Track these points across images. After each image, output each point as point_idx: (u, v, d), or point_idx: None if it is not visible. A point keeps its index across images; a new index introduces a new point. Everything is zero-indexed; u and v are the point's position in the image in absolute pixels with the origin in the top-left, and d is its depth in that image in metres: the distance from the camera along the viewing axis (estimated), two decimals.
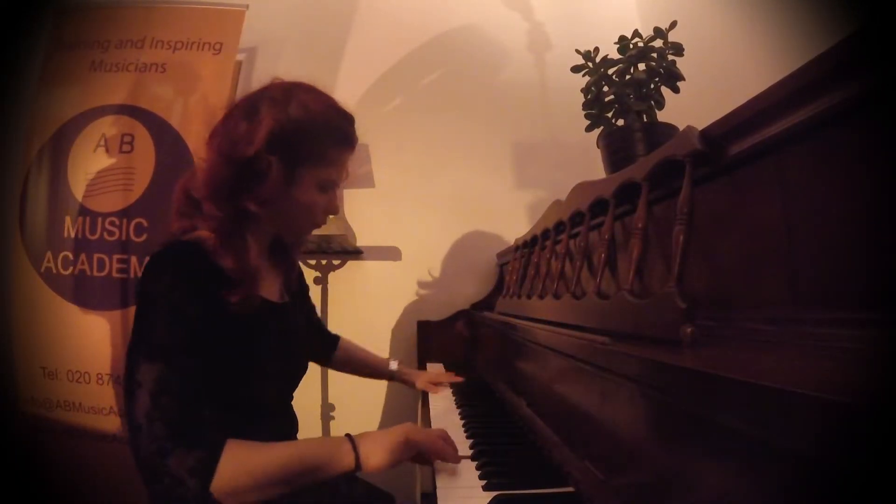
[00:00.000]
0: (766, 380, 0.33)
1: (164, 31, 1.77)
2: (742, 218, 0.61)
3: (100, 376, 1.61)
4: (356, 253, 1.98)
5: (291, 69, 2.23)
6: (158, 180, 1.70)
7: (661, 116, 1.20)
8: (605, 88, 1.25)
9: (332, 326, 1.34)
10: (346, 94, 2.14)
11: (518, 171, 2.13)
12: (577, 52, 1.29)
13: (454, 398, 1.28)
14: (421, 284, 2.06)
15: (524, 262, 1.39)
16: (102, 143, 1.71)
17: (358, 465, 0.71)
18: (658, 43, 1.17)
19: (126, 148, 1.71)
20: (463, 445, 0.87)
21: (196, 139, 1.71)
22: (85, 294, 1.65)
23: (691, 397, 0.43)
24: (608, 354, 0.61)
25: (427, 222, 2.09)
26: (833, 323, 0.46)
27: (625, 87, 1.20)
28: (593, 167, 1.35)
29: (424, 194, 2.09)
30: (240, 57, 2.01)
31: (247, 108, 0.79)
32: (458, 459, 0.79)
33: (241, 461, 0.65)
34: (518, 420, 1.02)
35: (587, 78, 1.28)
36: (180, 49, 1.77)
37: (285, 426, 0.92)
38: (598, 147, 1.26)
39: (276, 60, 2.11)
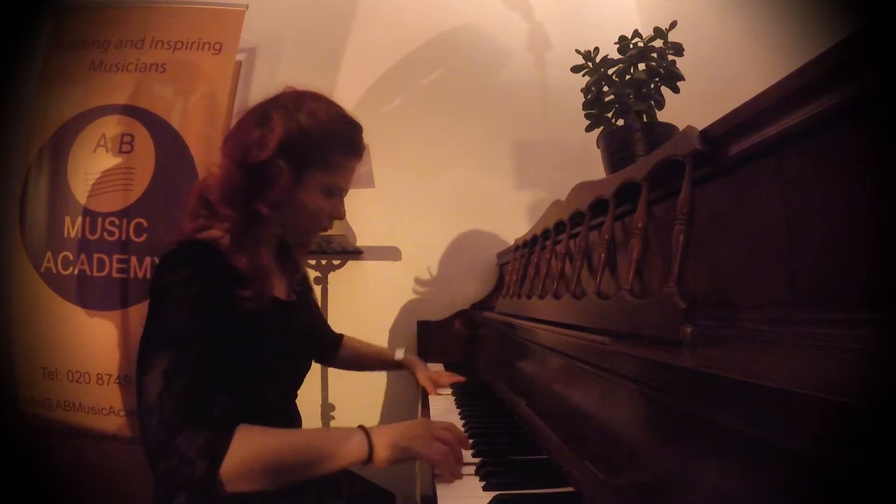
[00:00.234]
0: (766, 380, 0.33)
1: (164, 31, 1.77)
2: (742, 218, 0.61)
3: (100, 376, 1.61)
4: (356, 253, 1.98)
5: (291, 69, 2.24)
6: (158, 180, 1.70)
7: (661, 116, 1.20)
8: (605, 88, 1.25)
9: (332, 326, 1.34)
10: (346, 94, 2.16)
11: (518, 171, 2.13)
12: (577, 52, 1.29)
13: (454, 398, 1.28)
14: (421, 284, 2.06)
15: (524, 262, 1.39)
16: (102, 143, 1.71)
17: (370, 458, 0.71)
18: (658, 43, 1.17)
19: (126, 148, 1.71)
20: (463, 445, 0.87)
21: (196, 139, 1.72)
22: (85, 294, 1.65)
23: (691, 397, 0.43)
24: (608, 354, 0.61)
25: (427, 222, 2.09)
26: (833, 323, 0.46)
27: (625, 87, 1.20)
28: (593, 167, 1.35)
29: (424, 194, 2.09)
30: (240, 57, 2.02)
31: (259, 116, 0.82)
32: (457, 475, 0.73)
33: (252, 445, 0.65)
34: (518, 420, 1.02)
35: (587, 78, 1.28)
36: (180, 49, 1.77)
37: (289, 424, 0.93)
38: (598, 147, 1.26)
39: (276, 60, 2.11)
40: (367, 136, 0.92)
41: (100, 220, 1.68)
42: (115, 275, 1.65)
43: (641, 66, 1.18)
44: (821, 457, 0.29)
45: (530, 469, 0.77)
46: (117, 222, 1.68)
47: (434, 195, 2.10)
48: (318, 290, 2.00)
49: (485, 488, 0.69)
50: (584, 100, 1.29)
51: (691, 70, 1.19)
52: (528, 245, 1.37)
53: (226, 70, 1.78)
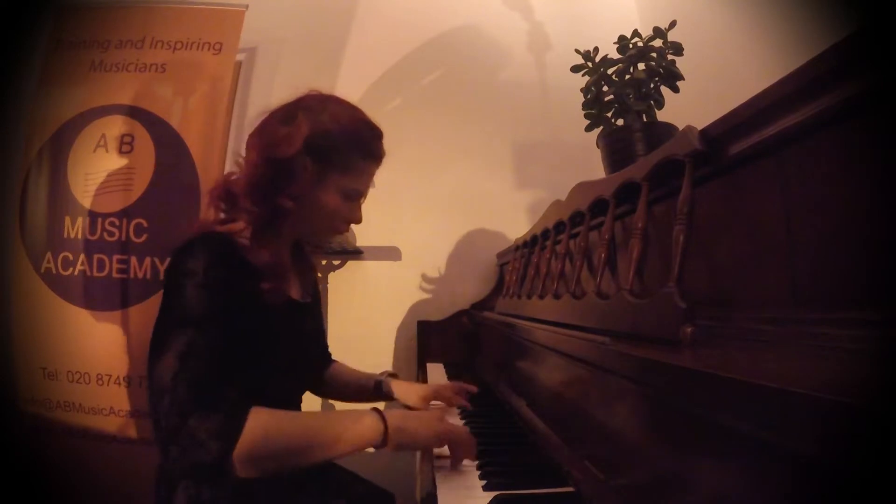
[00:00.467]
0: (765, 380, 0.33)
1: (164, 31, 1.77)
2: (742, 218, 0.61)
3: (100, 377, 1.61)
4: (356, 253, 1.98)
5: (291, 69, 2.24)
6: (158, 180, 1.70)
7: (661, 116, 1.20)
8: (605, 88, 1.25)
9: (333, 326, 1.33)
10: (346, 94, 2.12)
11: (518, 171, 2.13)
12: (577, 52, 1.28)
13: None
14: (421, 284, 2.06)
15: (524, 262, 1.39)
16: (102, 143, 1.71)
17: (384, 441, 0.71)
18: (658, 43, 1.17)
19: (126, 148, 1.71)
20: None
21: (196, 139, 1.72)
22: (85, 294, 1.65)
23: (691, 397, 0.43)
24: (608, 354, 0.61)
25: (427, 222, 2.09)
26: (833, 323, 0.46)
27: (624, 86, 1.20)
28: (593, 167, 1.35)
29: (425, 194, 2.09)
30: (240, 57, 2.02)
31: (285, 114, 0.85)
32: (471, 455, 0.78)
33: (265, 428, 0.65)
34: (518, 420, 1.02)
35: (587, 78, 1.28)
36: (180, 49, 1.77)
37: None
38: (597, 147, 1.26)
39: (276, 60, 2.11)
40: None
41: (100, 220, 1.68)
42: (115, 275, 1.65)
43: (641, 66, 1.18)
44: (821, 457, 0.29)
45: (530, 469, 0.76)
46: (117, 222, 1.67)
47: (434, 195, 2.09)
48: None
49: (485, 488, 0.69)
50: (583, 100, 1.29)
51: (691, 70, 1.19)
52: (528, 245, 1.37)
53: (226, 70, 1.78)
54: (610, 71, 1.24)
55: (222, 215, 0.86)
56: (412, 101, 2.14)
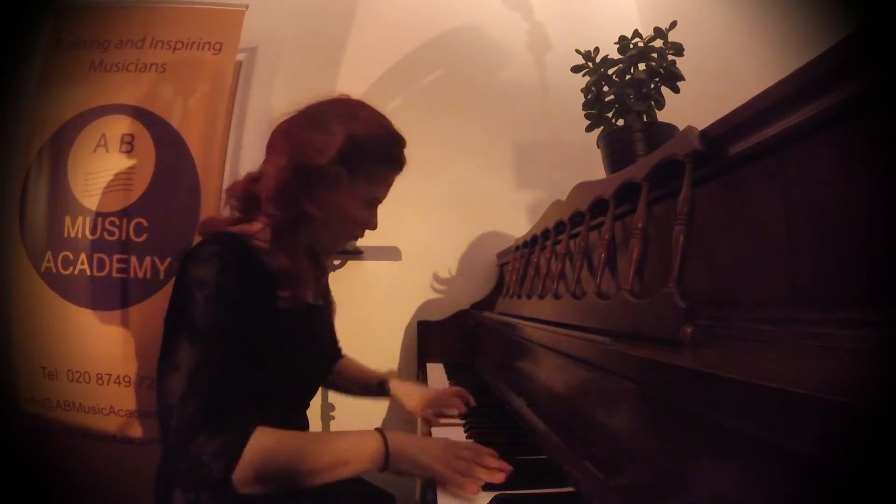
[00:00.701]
0: (765, 380, 0.33)
1: (164, 31, 1.77)
2: (742, 218, 0.61)
3: (100, 376, 1.61)
4: (356, 253, 1.98)
5: (291, 69, 2.24)
6: (158, 180, 1.70)
7: (661, 116, 1.20)
8: (606, 88, 1.25)
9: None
10: (346, 94, 2.15)
11: (518, 171, 2.13)
12: (578, 52, 1.28)
13: None
14: (421, 284, 2.06)
15: (524, 262, 1.39)
16: (102, 143, 1.71)
17: (385, 465, 0.70)
18: (658, 43, 1.17)
19: (126, 148, 1.71)
20: None
21: (196, 139, 1.72)
22: (85, 294, 1.65)
23: (691, 397, 0.43)
24: (608, 354, 0.61)
25: (427, 222, 2.09)
26: (833, 323, 0.46)
27: (625, 87, 1.20)
28: (593, 167, 1.35)
29: (425, 194, 2.09)
30: (240, 57, 2.01)
31: (315, 119, 0.83)
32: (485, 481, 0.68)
33: (267, 450, 0.65)
34: (518, 420, 1.02)
35: (587, 78, 1.28)
36: (180, 49, 1.77)
37: (298, 426, 0.93)
38: (598, 147, 1.26)
39: (276, 60, 2.11)
40: None
41: (100, 220, 1.68)
42: (115, 275, 1.65)
43: (641, 66, 1.18)
44: (821, 457, 0.29)
45: (530, 469, 0.76)
46: (117, 222, 1.67)
47: (434, 195, 2.09)
48: None
49: (485, 488, 0.69)
50: (584, 100, 1.29)
51: (691, 70, 1.19)
52: (529, 245, 1.37)
53: (226, 70, 1.78)
54: (610, 71, 1.24)
55: (236, 214, 0.85)
56: (412, 101, 2.14)
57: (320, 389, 1.93)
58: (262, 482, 0.64)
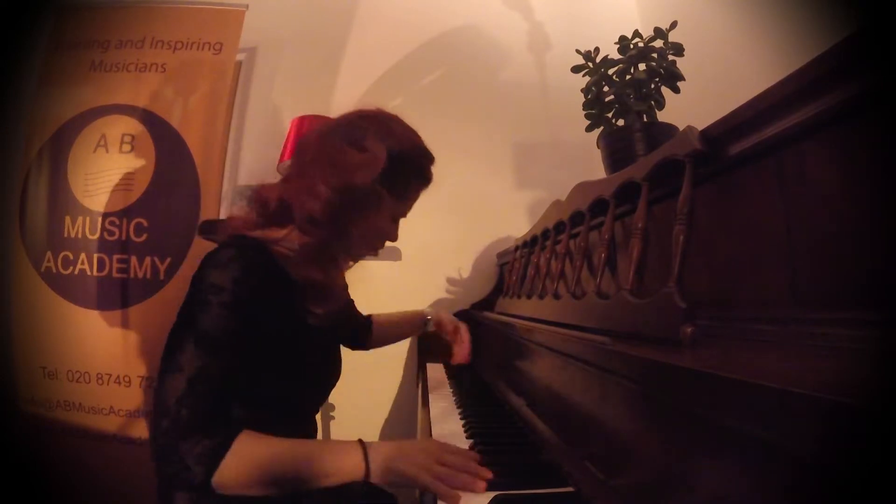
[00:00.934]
0: (765, 380, 0.33)
1: (164, 31, 1.77)
2: (742, 218, 0.61)
3: (100, 376, 1.61)
4: None
5: (291, 69, 2.23)
6: (158, 180, 1.70)
7: (662, 116, 1.20)
8: (606, 88, 1.25)
9: None
10: (346, 94, 2.16)
11: (518, 171, 2.13)
12: (578, 52, 1.29)
13: (454, 398, 1.28)
14: (420, 284, 2.06)
15: (524, 262, 1.39)
16: (102, 143, 1.71)
17: (367, 477, 0.69)
18: (658, 43, 1.17)
19: (126, 148, 1.71)
20: (463, 446, 0.86)
21: (196, 139, 1.72)
22: (85, 294, 1.65)
23: (691, 397, 0.43)
24: (608, 354, 0.61)
25: (427, 222, 2.08)
26: (833, 323, 0.46)
27: (625, 87, 1.20)
28: (593, 167, 1.35)
29: (425, 194, 2.08)
30: (240, 57, 2.02)
31: (351, 135, 0.82)
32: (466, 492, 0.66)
33: (248, 456, 0.65)
34: (518, 420, 1.02)
35: (587, 78, 1.28)
36: (180, 49, 1.77)
37: (309, 432, 0.94)
38: (598, 147, 1.26)
39: (276, 60, 2.11)
40: None
41: (100, 220, 1.68)
42: (115, 275, 1.65)
43: (642, 67, 1.18)
44: (821, 457, 0.29)
45: (530, 469, 0.76)
46: (117, 222, 1.68)
47: (434, 195, 2.08)
48: None
49: (485, 488, 0.69)
50: (584, 100, 1.29)
51: (691, 70, 1.19)
52: (528, 245, 1.37)
53: (226, 70, 1.78)
54: (610, 71, 1.24)
55: (254, 216, 0.83)
56: (412, 101, 2.14)
57: None
58: (242, 486, 0.65)
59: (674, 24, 1.16)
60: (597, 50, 1.27)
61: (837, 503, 0.28)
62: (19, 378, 1.64)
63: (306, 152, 0.84)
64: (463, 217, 2.09)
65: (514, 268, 1.49)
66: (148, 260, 1.66)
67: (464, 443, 0.89)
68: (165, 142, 1.71)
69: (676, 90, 1.18)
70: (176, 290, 1.65)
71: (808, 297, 0.50)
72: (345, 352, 1.30)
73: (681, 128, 0.66)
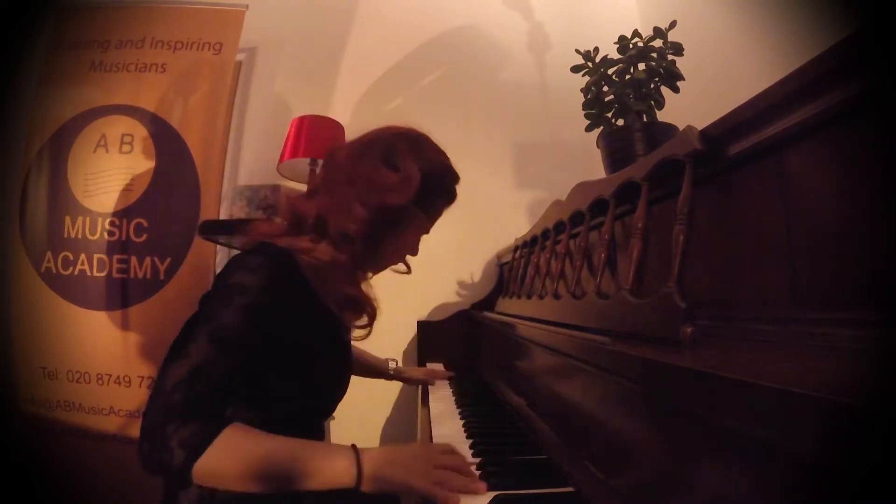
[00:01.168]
0: (765, 380, 0.33)
1: (164, 31, 1.77)
2: (742, 218, 0.61)
3: (100, 376, 1.61)
4: None
5: (291, 69, 2.23)
6: (158, 180, 1.70)
7: (661, 116, 1.20)
8: (605, 88, 1.25)
9: None
10: (346, 94, 2.16)
11: (518, 171, 2.13)
12: (577, 52, 1.28)
13: (454, 398, 1.28)
14: (421, 284, 2.06)
15: (524, 262, 1.39)
16: (102, 143, 1.72)
17: (358, 484, 0.66)
18: (658, 43, 1.17)
19: (126, 148, 1.71)
20: (463, 446, 0.87)
21: (196, 139, 1.72)
22: (85, 294, 1.65)
23: (691, 397, 0.43)
24: (608, 354, 0.61)
25: None
26: (833, 323, 0.46)
27: (625, 87, 1.20)
28: (593, 167, 1.35)
29: None
30: (240, 57, 2.02)
31: (385, 154, 0.83)
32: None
33: (234, 445, 0.63)
34: (518, 420, 1.02)
35: (587, 78, 1.28)
36: (180, 49, 1.77)
37: (316, 439, 0.94)
38: (598, 147, 1.26)
39: (276, 60, 2.11)
40: None
41: (100, 220, 1.68)
42: (115, 275, 1.66)
43: (641, 66, 1.18)
44: (821, 457, 0.29)
45: (530, 469, 0.76)
46: (117, 222, 1.68)
47: None
48: None
49: (486, 489, 0.69)
50: (584, 100, 1.29)
51: (691, 70, 1.19)
52: (529, 245, 1.37)
53: (226, 70, 1.79)
54: (610, 71, 1.24)
55: (277, 221, 0.85)
56: (412, 101, 2.14)
57: None
58: (222, 479, 0.63)
59: (673, 24, 1.16)
60: (596, 50, 1.27)
61: (837, 503, 0.28)
62: (19, 378, 1.64)
63: (338, 169, 0.85)
64: (463, 217, 2.08)
65: (514, 268, 1.49)
66: (148, 260, 1.66)
67: (464, 443, 0.89)
68: (165, 142, 1.71)
69: (676, 90, 1.18)
70: (176, 290, 1.65)
71: (808, 297, 0.50)
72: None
73: (681, 128, 0.66)
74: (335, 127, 1.77)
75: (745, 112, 0.55)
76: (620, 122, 1.24)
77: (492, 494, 0.66)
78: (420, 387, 1.41)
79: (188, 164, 1.71)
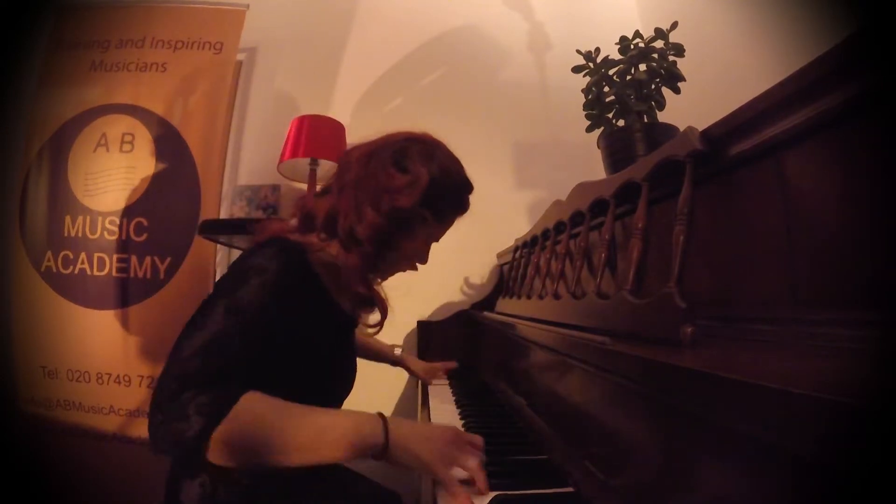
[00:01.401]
0: (766, 380, 0.33)
1: (164, 31, 1.77)
2: (742, 218, 0.61)
3: (100, 376, 1.61)
4: None
5: (291, 69, 2.23)
6: (158, 180, 1.70)
7: (662, 117, 1.20)
8: (606, 89, 1.25)
9: None
10: (346, 94, 2.16)
11: (518, 172, 2.13)
12: (578, 52, 1.29)
13: (454, 398, 1.28)
14: (421, 284, 2.06)
15: (524, 262, 1.39)
16: (102, 142, 1.72)
17: (382, 455, 0.64)
18: (659, 43, 1.17)
19: (126, 148, 1.71)
20: None
21: (196, 139, 1.72)
22: (85, 293, 1.65)
23: (691, 397, 0.43)
24: (608, 354, 0.61)
25: None
26: (833, 323, 0.46)
27: (625, 87, 1.20)
28: (594, 167, 1.35)
29: None
30: (240, 57, 2.02)
31: (395, 156, 0.84)
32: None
33: (255, 411, 0.60)
34: (518, 420, 1.02)
35: (588, 78, 1.28)
36: (180, 49, 1.77)
37: None
38: (598, 147, 1.26)
39: (276, 60, 2.11)
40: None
41: (100, 219, 1.68)
42: (115, 274, 1.66)
43: (642, 67, 1.18)
44: (821, 457, 0.29)
45: (530, 469, 0.76)
46: (117, 222, 1.68)
47: None
48: None
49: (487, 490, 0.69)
50: (584, 100, 1.29)
51: (692, 71, 1.19)
52: (529, 245, 1.37)
53: (226, 70, 1.79)
54: (611, 72, 1.24)
55: (300, 225, 0.86)
56: (412, 101, 2.14)
57: None
58: (239, 449, 0.59)
59: (674, 25, 1.16)
60: (597, 50, 1.27)
61: (837, 503, 0.28)
62: (19, 378, 1.64)
63: (350, 169, 0.85)
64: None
65: (514, 268, 1.49)
66: (148, 260, 1.66)
67: None
68: (166, 141, 1.72)
69: (677, 90, 1.18)
70: (176, 290, 1.65)
71: (808, 297, 0.50)
72: None
73: (681, 128, 0.66)
74: (335, 127, 1.77)
75: (745, 113, 0.55)
76: (621, 122, 1.24)
77: (492, 494, 0.66)
78: (420, 387, 1.41)
79: (188, 164, 1.71)
